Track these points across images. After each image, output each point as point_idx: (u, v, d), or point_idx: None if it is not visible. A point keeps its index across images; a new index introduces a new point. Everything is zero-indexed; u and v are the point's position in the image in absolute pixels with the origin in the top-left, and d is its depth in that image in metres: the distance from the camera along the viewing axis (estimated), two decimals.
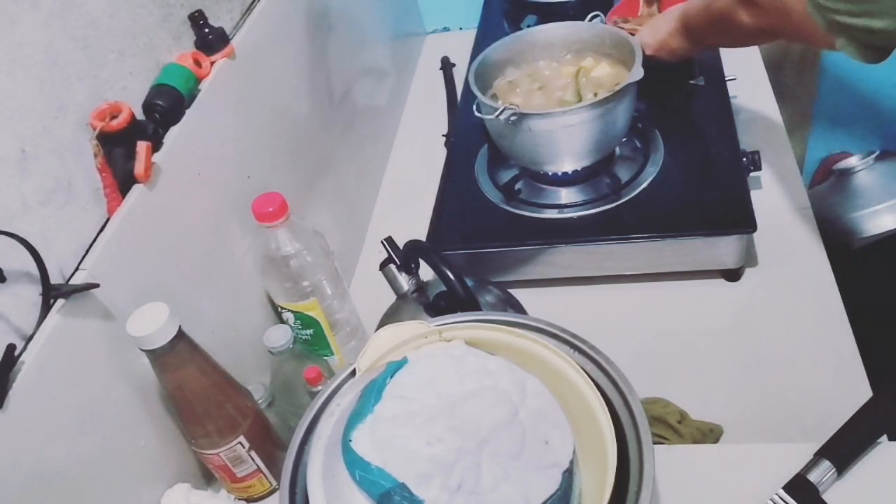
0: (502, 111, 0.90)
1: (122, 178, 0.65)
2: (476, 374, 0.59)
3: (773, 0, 0.75)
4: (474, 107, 0.96)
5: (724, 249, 0.91)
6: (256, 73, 0.85)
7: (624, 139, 1.03)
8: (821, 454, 0.62)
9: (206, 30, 0.77)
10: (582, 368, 0.60)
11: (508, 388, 0.58)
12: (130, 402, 0.64)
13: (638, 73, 0.91)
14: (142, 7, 0.71)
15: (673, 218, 0.93)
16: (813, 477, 0.61)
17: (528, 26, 1.24)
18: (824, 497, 0.61)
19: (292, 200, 0.76)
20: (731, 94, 1.10)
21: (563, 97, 1.00)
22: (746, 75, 1.18)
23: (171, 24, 0.75)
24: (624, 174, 1.01)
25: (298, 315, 0.81)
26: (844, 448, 0.63)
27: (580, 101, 0.97)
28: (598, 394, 0.58)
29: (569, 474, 0.55)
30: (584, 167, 0.99)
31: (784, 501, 0.61)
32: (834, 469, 0.61)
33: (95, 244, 0.62)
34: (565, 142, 0.94)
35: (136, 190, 0.66)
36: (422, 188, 1.12)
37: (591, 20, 1.07)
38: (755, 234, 0.90)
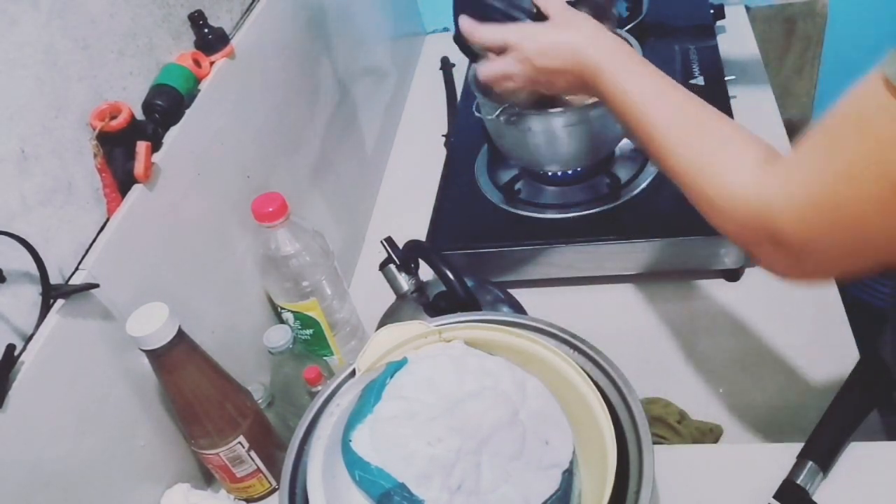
0: (502, 111, 0.90)
1: (121, 178, 0.65)
2: (476, 374, 0.59)
3: None
4: (474, 107, 0.96)
5: (724, 249, 0.91)
6: (256, 73, 0.85)
7: (623, 139, 1.03)
8: (803, 456, 0.62)
9: (206, 30, 0.77)
10: (582, 368, 0.60)
11: (508, 388, 0.58)
12: (130, 402, 0.64)
13: None
14: (142, 7, 0.71)
15: (673, 218, 0.93)
16: (800, 480, 0.61)
17: None
18: (814, 498, 0.61)
19: (292, 200, 0.76)
20: (731, 94, 1.10)
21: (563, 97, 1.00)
22: (746, 75, 1.18)
23: (170, 24, 0.75)
24: (624, 174, 1.01)
25: (298, 315, 0.81)
26: (824, 447, 0.63)
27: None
28: (598, 394, 0.58)
29: (569, 474, 0.55)
30: (583, 167, 0.99)
31: None
32: (819, 469, 0.61)
33: (95, 244, 0.62)
34: (565, 142, 0.94)
35: (136, 190, 0.66)
36: (422, 188, 1.12)
37: None
38: None
